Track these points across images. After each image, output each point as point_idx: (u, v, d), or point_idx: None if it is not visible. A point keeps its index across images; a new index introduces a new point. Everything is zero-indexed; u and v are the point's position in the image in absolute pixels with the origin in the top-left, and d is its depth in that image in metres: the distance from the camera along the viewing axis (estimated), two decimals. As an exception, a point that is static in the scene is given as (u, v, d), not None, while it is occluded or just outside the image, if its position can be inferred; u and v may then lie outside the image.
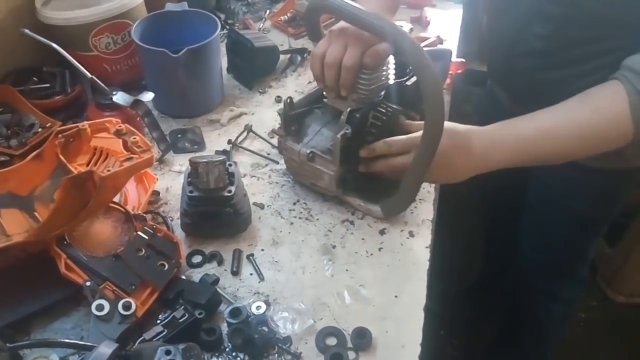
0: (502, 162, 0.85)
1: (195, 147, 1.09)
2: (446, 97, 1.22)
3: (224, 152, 1.06)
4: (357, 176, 0.93)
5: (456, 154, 0.86)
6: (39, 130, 1.04)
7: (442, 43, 1.36)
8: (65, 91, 1.15)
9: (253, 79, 1.25)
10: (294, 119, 0.93)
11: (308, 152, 0.90)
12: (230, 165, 0.89)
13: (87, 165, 0.91)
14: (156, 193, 0.97)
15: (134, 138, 0.82)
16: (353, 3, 0.81)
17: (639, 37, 0.79)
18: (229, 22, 1.47)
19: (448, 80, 1.28)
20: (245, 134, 1.11)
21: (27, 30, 1.01)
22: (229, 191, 0.85)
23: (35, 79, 1.18)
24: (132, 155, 0.79)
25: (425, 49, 1.19)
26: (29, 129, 1.05)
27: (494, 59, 1.06)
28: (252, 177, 1.03)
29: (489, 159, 0.86)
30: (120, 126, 0.85)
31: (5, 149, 1.00)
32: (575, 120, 0.80)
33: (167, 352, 0.63)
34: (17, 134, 1.03)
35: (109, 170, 0.74)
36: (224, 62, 1.30)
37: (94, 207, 0.76)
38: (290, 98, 0.91)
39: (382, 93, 0.93)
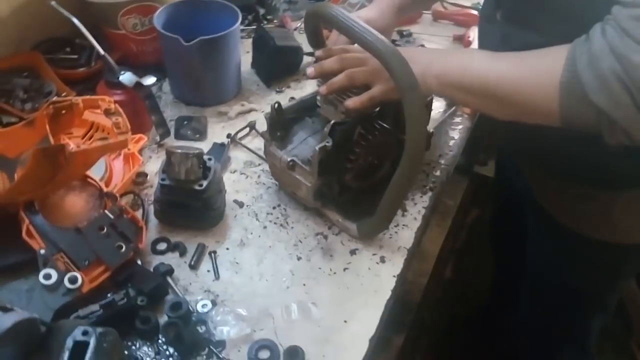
0: (441, 74, 0.82)
1: (197, 136, 1.10)
2: (466, 124, 1.17)
3: (222, 145, 1.06)
4: (335, 190, 0.90)
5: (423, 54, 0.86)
6: (55, 98, 1.08)
7: (476, 66, 1.29)
8: (89, 64, 1.19)
9: (272, 76, 1.25)
10: (280, 125, 0.91)
11: (289, 160, 0.88)
12: (210, 159, 0.89)
13: (82, 138, 0.94)
14: (143, 175, 0.98)
15: (117, 119, 0.83)
16: (348, 14, 0.79)
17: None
18: (267, 17, 1.48)
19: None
20: (247, 130, 1.11)
21: (53, 2, 1.06)
22: (200, 185, 0.85)
23: (67, 49, 1.24)
24: (106, 135, 0.80)
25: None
26: (46, 95, 1.10)
27: None
28: (241, 174, 1.03)
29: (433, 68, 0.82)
30: (109, 105, 0.87)
31: (18, 111, 1.06)
32: (518, 61, 0.74)
33: (84, 333, 0.63)
34: (33, 98, 1.09)
35: (77, 147, 0.76)
36: (249, 57, 1.31)
37: (62, 180, 0.79)
38: (279, 103, 0.89)
39: (377, 110, 0.90)
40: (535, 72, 0.71)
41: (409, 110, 0.75)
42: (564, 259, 1.05)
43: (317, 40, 0.93)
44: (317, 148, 0.83)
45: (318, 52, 0.90)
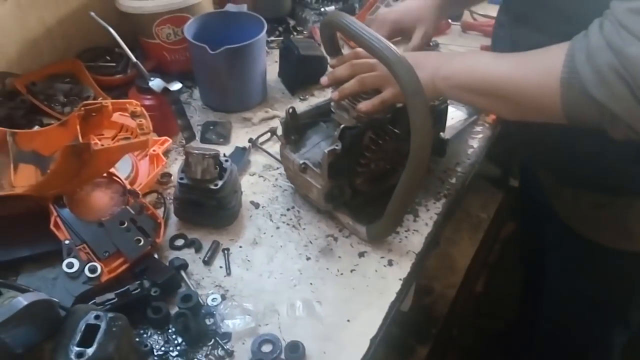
0: (446, 76, 0.85)
1: (221, 140, 1.15)
2: (486, 133, 1.17)
3: (243, 148, 1.11)
4: (346, 194, 0.93)
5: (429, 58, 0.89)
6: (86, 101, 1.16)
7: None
8: (125, 72, 1.27)
9: (297, 85, 1.29)
10: (295, 129, 0.94)
11: (301, 162, 0.91)
12: (226, 161, 0.93)
13: (113, 139, 1.01)
14: (168, 175, 1.04)
15: (140, 121, 0.89)
16: (358, 22, 0.81)
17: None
18: (297, 29, 1.52)
19: (493, 116, 1.21)
20: (268, 135, 1.15)
21: (92, 13, 1.14)
22: (215, 184, 0.89)
23: (107, 57, 1.32)
24: (129, 136, 0.86)
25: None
26: (85, 100, 1.18)
27: None
28: (260, 177, 1.07)
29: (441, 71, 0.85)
30: (136, 108, 0.93)
31: (58, 113, 1.14)
32: (520, 59, 0.75)
33: (97, 317, 0.68)
34: (72, 102, 1.17)
35: (102, 145, 0.82)
36: (276, 66, 1.35)
37: (88, 175, 0.85)
38: (293, 108, 0.93)
39: (389, 115, 0.92)
40: (536, 70, 0.72)
41: (413, 115, 0.76)
42: (583, 270, 1.03)
43: (332, 48, 0.96)
44: (326, 151, 0.86)
45: (332, 61, 0.93)
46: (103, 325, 0.67)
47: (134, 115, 0.93)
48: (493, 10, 1.58)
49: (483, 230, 2.13)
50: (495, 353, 1.74)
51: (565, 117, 0.70)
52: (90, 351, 0.64)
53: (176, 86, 1.07)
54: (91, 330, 0.67)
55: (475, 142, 1.15)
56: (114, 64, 1.30)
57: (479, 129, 1.18)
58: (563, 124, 0.72)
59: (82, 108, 0.92)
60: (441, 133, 1.01)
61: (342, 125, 0.87)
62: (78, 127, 0.90)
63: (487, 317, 1.93)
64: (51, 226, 0.84)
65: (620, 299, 1.03)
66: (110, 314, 0.69)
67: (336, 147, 0.86)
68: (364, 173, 0.92)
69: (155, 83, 1.08)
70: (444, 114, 1.00)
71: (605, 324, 1.09)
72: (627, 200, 0.85)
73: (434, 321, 1.82)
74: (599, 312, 1.06)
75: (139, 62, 1.11)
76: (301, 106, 1.24)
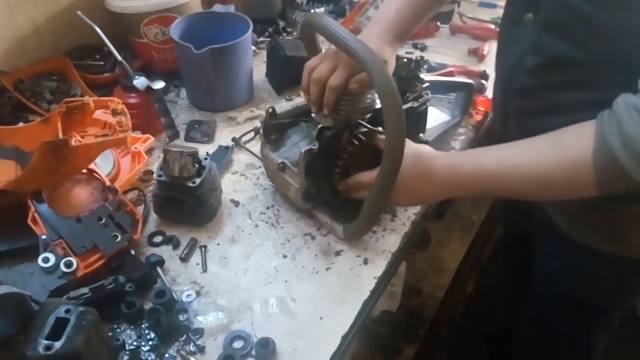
0: (460, 191, 0.84)
1: (205, 139, 1.16)
2: (469, 135, 1.17)
3: (226, 147, 1.12)
4: (325, 193, 0.93)
5: (418, 179, 0.85)
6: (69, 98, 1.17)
7: (486, 79, 1.30)
8: (113, 70, 1.28)
9: (283, 85, 1.30)
10: (275, 128, 0.95)
11: (280, 162, 0.92)
12: (205, 159, 0.94)
13: (95, 136, 1.02)
14: (149, 172, 1.05)
15: (120, 119, 0.90)
16: (336, 25, 0.82)
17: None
18: (287, 30, 1.53)
19: (479, 116, 1.22)
20: (252, 134, 1.16)
21: (80, 13, 1.15)
22: (193, 182, 0.90)
23: (97, 56, 1.34)
24: (108, 132, 0.87)
25: (440, 79, 1.16)
26: (71, 97, 1.19)
27: (495, 99, 0.99)
28: (241, 175, 1.07)
29: (448, 186, 0.84)
30: (117, 106, 0.94)
31: (45, 111, 1.15)
32: (539, 159, 0.74)
33: (67, 311, 0.69)
34: (58, 100, 1.18)
35: (80, 142, 0.83)
36: (264, 66, 1.36)
37: (67, 171, 0.86)
38: (273, 108, 0.94)
39: (368, 116, 0.93)
40: (564, 163, 0.72)
41: (387, 115, 0.77)
42: (570, 272, 1.02)
43: (312, 49, 0.97)
44: (302, 151, 0.86)
45: (308, 62, 0.92)
46: (72, 319, 0.68)
47: (114, 112, 0.94)
48: (482, 14, 1.61)
49: (474, 232, 2.13)
50: (484, 355, 1.75)
51: (601, 194, 0.71)
52: (58, 344, 0.65)
53: (159, 85, 1.08)
54: (61, 323, 0.68)
55: (457, 143, 1.16)
56: (102, 63, 1.31)
57: (461, 130, 1.19)
58: None
59: (64, 105, 0.93)
60: (421, 134, 1.02)
61: (319, 125, 0.88)
62: (59, 124, 0.91)
63: (477, 319, 1.93)
64: (29, 221, 0.85)
65: (605, 301, 1.03)
66: (80, 308, 0.70)
67: (313, 147, 0.87)
68: (342, 173, 0.93)
69: (139, 82, 1.09)
70: (423, 115, 1.01)
71: (588, 326, 1.09)
72: (620, 204, 0.83)
73: (422, 322, 1.82)
74: (582, 313, 1.06)
75: (124, 61, 1.12)
76: (286, 105, 1.25)
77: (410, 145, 0.86)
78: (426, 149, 0.87)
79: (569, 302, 1.07)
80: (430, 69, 1.33)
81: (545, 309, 1.17)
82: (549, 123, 0.83)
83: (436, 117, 1.18)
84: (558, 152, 0.72)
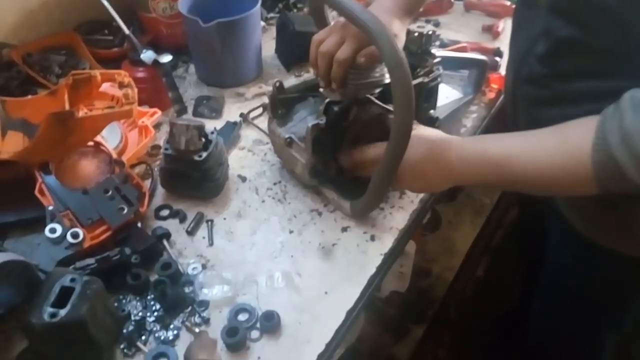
0: (467, 177, 0.81)
1: (213, 114, 1.15)
2: (482, 113, 1.15)
3: (234, 123, 1.11)
4: (332, 169, 0.92)
5: (432, 164, 0.83)
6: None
7: (500, 56, 1.27)
8: (122, 45, 1.28)
9: (292, 61, 1.28)
10: (282, 103, 0.94)
11: (287, 137, 0.91)
12: (212, 133, 0.93)
13: (102, 110, 1.02)
14: (157, 147, 1.04)
15: (127, 91, 0.89)
16: None
17: None
18: (298, 6, 1.51)
19: (492, 94, 1.20)
20: (260, 110, 1.15)
21: (88, -15, 1.14)
22: (200, 156, 0.89)
23: (105, 31, 1.33)
24: (113, 105, 0.86)
25: (453, 54, 1.14)
26: (80, 72, 1.18)
27: (506, 84, 0.97)
28: (249, 151, 1.07)
29: (458, 172, 0.81)
30: (123, 79, 0.93)
31: (53, 84, 1.15)
32: (541, 149, 0.72)
33: (72, 280, 0.70)
34: (67, 74, 1.17)
35: (86, 113, 0.82)
36: (274, 42, 1.35)
37: (73, 143, 0.86)
38: (280, 82, 0.92)
39: (377, 91, 0.91)
40: (564, 156, 0.70)
41: (396, 88, 0.75)
42: (580, 270, 1.00)
43: (320, 21, 0.95)
44: (309, 125, 0.85)
45: (316, 35, 0.90)
46: (78, 288, 0.69)
47: (121, 85, 0.93)
48: (497, -11, 1.56)
49: (485, 215, 2.11)
50: (493, 337, 1.74)
51: (600, 193, 0.69)
52: (63, 312, 0.66)
53: (166, 58, 1.07)
54: (66, 292, 0.68)
55: (469, 121, 1.14)
56: (111, 37, 1.30)
57: (473, 108, 1.17)
58: None
59: (71, 77, 0.92)
60: (431, 111, 1.00)
61: (327, 100, 0.87)
62: (66, 96, 0.91)
63: (486, 302, 1.92)
64: (36, 192, 0.85)
65: (615, 301, 1.01)
66: (85, 278, 0.70)
67: (320, 122, 0.86)
68: (350, 149, 0.91)
69: (147, 55, 1.08)
70: (434, 92, 0.99)
71: (597, 324, 1.06)
72: (632, 203, 0.80)
73: (431, 303, 1.82)
74: (592, 311, 1.03)
75: (131, 35, 1.11)
76: (294, 81, 1.24)
77: (422, 129, 0.84)
78: (439, 133, 0.85)
79: (578, 300, 1.05)
80: (443, 45, 1.31)
81: (555, 302, 1.15)
82: (557, 113, 0.80)
83: (448, 94, 1.16)
84: (560, 144, 0.70)
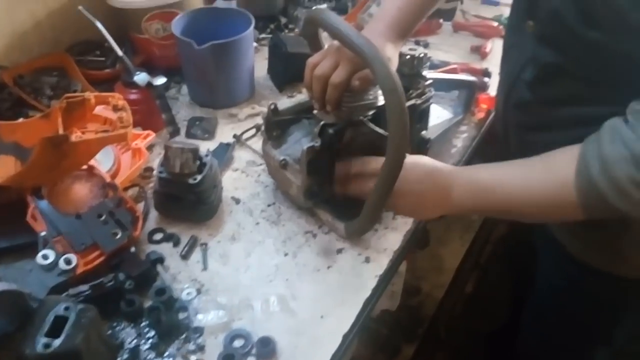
0: (460, 205, 0.81)
1: (206, 135, 1.15)
2: (472, 132, 1.17)
3: (227, 144, 1.11)
4: (327, 191, 0.92)
5: (427, 190, 0.83)
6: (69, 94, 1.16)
7: (489, 77, 1.29)
8: (114, 66, 1.27)
9: (284, 82, 1.29)
10: (277, 125, 0.94)
11: (281, 159, 0.91)
12: (206, 155, 0.93)
13: (96, 132, 1.01)
14: (150, 169, 1.04)
15: (121, 114, 0.89)
16: (340, 20, 0.81)
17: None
18: (289, 26, 1.53)
19: (481, 114, 1.21)
20: (254, 131, 1.15)
21: (81, 7, 1.14)
22: (194, 179, 0.89)
23: (97, 52, 1.33)
24: (108, 128, 0.86)
25: (443, 76, 1.16)
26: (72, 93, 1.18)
27: (497, 107, 0.98)
28: (242, 172, 1.07)
29: (452, 199, 0.81)
30: (118, 102, 0.93)
31: (45, 106, 1.14)
32: (529, 176, 0.74)
33: (66, 308, 0.69)
34: (59, 96, 1.17)
35: (80, 138, 0.82)
36: (266, 63, 1.36)
37: (67, 167, 0.85)
38: (275, 104, 0.93)
39: (371, 113, 0.92)
40: (548, 185, 0.72)
41: (390, 111, 0.76)
42: (570, 290, 1.01)
43: (314, 45, 0.96)
44: (304, 148, 0.86)
45: (311, 58, 0.91)
46: (72, 317, 0.68)
47: (115, 108, 0.93)
48: (485, 11, 1.60)
49: (474, 231, 2.12)
50: (484, 354, 1.74)
51: (588, 218, 0.70)
52: (57, 342, 0.65)
53: (160, 81, 1.08)
54: (60, 321, 0.67)
55: (460, 141, 1.15)
56: (103, 59, 1.30)
57: (464, 128, 1.18)
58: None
59: (65, 100, 0.92)
60: (423, 132, 1.01)
61: (321, 122, 0.87)
62: (60, 120, 0.90)
63: (477, 318, 1.92)
64: (28, 218, 0.84)
65: (606, 319, 1.01)
66: (80, 306, 0.70)
67: (315, 144, 0.86)
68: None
69: (140, 77, 1.08)
70: (426, 113, 1.00)
71: (588, 341, 1.07)
72: (620, 224, 0.82)
73: (421, 321, 1.82)
74: (582, 329, 1.04)
75: (125, 56, 1.11)
76: (288, 103, 1.24)
77: (416, 156, 0.85)
78: (432, 160, 0.86)
79: (568, 318, 1.06)
80: (433, 66, 1.32)
81: (545, 320, 1.15)
82: (546, 138, 0.82)
83: (439, 114, 1.17)
84: (546, 172, 0.72)
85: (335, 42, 0.87)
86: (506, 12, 1.56)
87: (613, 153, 0.64)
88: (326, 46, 0.92)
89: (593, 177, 0.66)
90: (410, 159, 0.82)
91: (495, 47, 1.42)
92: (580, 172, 0.66)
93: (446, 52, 1.44)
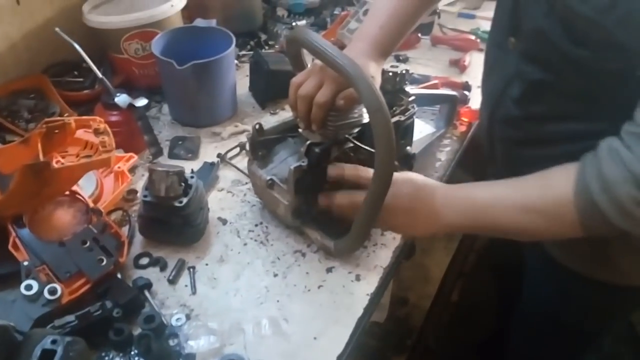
0: (453, 224, 0.81)
1: (190, 155, 1.14)
2: (454, 146, 1.18)
3: (211, 164, 1.10)
4: (315, 210, 0.92)
5: (417, 208, 0.83)
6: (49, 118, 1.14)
7: (468, 90, 1.31)
8: (92, 87, 1.26)
9: (267, 99, 1.29)
10: (262, 145, 0.94)
11: (268, 179, 0.91)
12: (192, 177, 0.92)
13: (77, 156, 0.99)
14: (134, 192, 1.02)
15: (103, 138, 0.88)
16: (323, 40, 0.81)
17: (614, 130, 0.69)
18: (269, 43, 1.53)
19: (463, 127, 1.23)
20: (238, 150, 1.15)
21: (57, 29, 1.12)
22: (180, 202, 0.88)
23: (75, 72, 1.31)
24: (91, 153, 0.84)
25: (425, 92, 1.17)
26: (50, 116, 1.16)
27: (481, 122, 1.00)
28: (228, 192, 1.06)
29: (444, 218, 0.82)
30: (99, 125, 0.92)
31: (22, 130, 1.12)
32: (526, 195, 0.74)
33: (53, 342, 0.67)
34: (37, 119, 1.15)
35: (62, 164, 0.80)
36: (247, 80, 1.35)
37: (49, 195, 0.83)
38: (260, 124, 0.93)
39: (356, 131, 0.92)
40: (547, 208, 0.72)
41: (376, 130, 0.76)
42: (560, 299, 1.03)
43: (297, 64, 0.96)
44: (292, 167, 0.85)
45: (295, 78, 0.91)
46: (59, 351, 0.66)
47: (97, 132, 0.92)
48: (462, 25, 1.62)
49: (458, 240, 2.14)
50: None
51: (587, 235, 0.71)
52: (45, 378, 0.63)
53: (142, 102, 1.06)
54: (47, 355, 0.65)
55: (443, 154, 1.16)
56: (81, 79, 1.28)
57: (446, 142, 1.19)
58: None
59: (44, 125, 0.90)
60: (408, 147, 1.02)
61: (308, 141, 0.87)
62: (39, 145, 0.88)
63: (464, 327, 1.93)
64: (9, 247, 0.82)
65: (594, 326, 1.03)
66: (67, 338, 0.67)
67: (302, 164, 0.86)
68: (332, 189, 0.92)
69: (121, 99, 1.06)
70: (410, 129, 1.01)
71: (577, 348, 1.08)
72: None
73: (410, 332, 1.82)
74: (571, 336, 1.05)
75: (104, 78, 1.10)
76: (271, 120, 1.24)
77: (406, 172, 0.85)
78: (425, 179, 0.86)
79: (558, 326, 1.07)
80: (414, 81, 1.34)
81: (534, 329, 1.16)
82: (534, 153, 0.83)
83: (421, 129, 1.18)
84: (543, 189, 0.73)
85: (319, 61, 0.87)
86: (482, 25, 1.60)
87: (614, 173, 0.64)
88: (309, 65, 0.92)
89: (594, 197, 0.66)
90: (399, 175, 0.82)
91: (474, 60, 1.45)
92: (579, 192, 0.67)
93: (425, 66, 1.45)
